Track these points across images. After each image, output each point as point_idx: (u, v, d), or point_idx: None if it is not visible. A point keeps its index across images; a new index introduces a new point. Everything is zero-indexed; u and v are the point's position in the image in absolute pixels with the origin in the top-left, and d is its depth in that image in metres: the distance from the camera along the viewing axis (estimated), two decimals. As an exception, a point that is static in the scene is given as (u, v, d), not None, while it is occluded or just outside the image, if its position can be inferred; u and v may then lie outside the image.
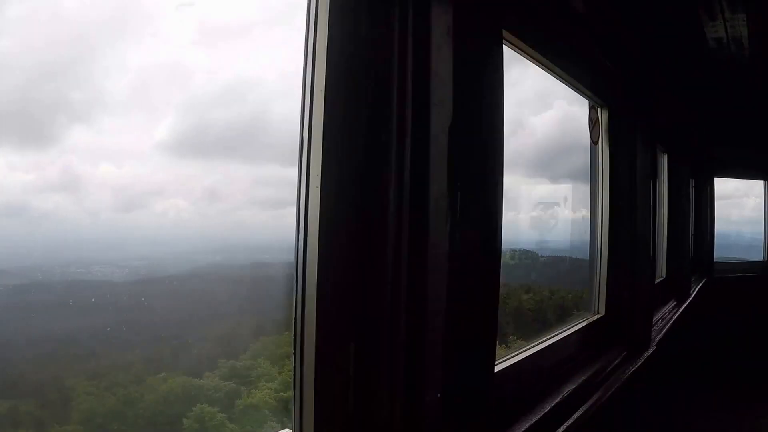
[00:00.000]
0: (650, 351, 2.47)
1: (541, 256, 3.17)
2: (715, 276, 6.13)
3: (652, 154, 2.51)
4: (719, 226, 7.25)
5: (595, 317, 2.36)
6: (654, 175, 2.48)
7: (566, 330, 2.07)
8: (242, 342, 2.12)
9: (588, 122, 2.23)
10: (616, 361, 2.17)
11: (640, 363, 2.28)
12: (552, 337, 1.94)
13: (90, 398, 1.71)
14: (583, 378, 1.89)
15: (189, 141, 1.70)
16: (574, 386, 1.80)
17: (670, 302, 3.92)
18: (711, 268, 6.07)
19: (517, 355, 1.58)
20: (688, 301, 4.20)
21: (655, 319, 3.33)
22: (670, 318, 3.38)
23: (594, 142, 2.29)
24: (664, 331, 3.19)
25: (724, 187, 7.08)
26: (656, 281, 4.01)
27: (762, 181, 7.04)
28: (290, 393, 1.51)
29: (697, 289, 4.89)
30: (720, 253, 7.09)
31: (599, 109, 2.38)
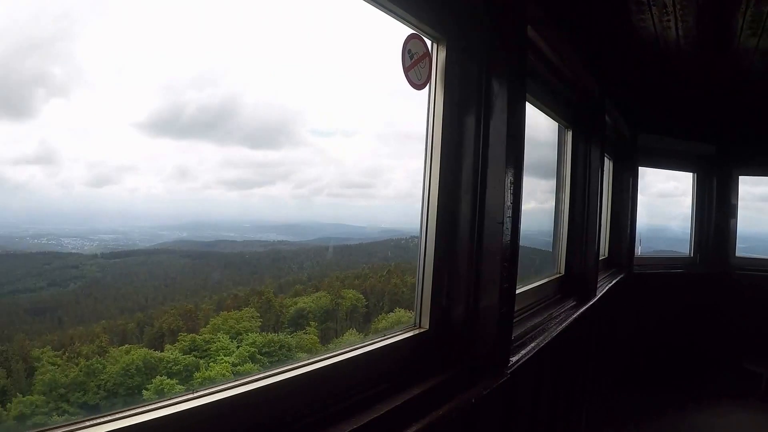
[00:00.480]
0: (502, 379, 1.83)
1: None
2: (635, 272, 5.70)
3: (519, 112, 1.85)
4: (658, 221, 7.23)
5: (417, 332, 1.69)
6: (518, 137, 1.82)
7: (353, 350, 1.39)
8: (203, 316, 2.24)
9: (402, 56, 1.53)
10: (433, 394, 1.51)
11: (477, 399, 1.63)
12: (316, 362, 1.25)
13: (54, 369, 1.73)
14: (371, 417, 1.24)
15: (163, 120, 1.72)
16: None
17: (567, 302, 3.35)
18: (630, 263, 5.62)
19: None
20: (592, 301, 3.65)
21: (535, 322, 2.74)
22: (557, 325, 2.78)
23: (417, 86, 1.59)
24: (548, 340, 2.59)
25: (664, 186, 7.35)
26: (550, 278, 3.45)
27: (691, 174, 6.73)
28: (247, 366, 2.01)
29: (609, 287, 4.37)
30: (660, 247, 7.03)
31: (433, 44, 1.69)
